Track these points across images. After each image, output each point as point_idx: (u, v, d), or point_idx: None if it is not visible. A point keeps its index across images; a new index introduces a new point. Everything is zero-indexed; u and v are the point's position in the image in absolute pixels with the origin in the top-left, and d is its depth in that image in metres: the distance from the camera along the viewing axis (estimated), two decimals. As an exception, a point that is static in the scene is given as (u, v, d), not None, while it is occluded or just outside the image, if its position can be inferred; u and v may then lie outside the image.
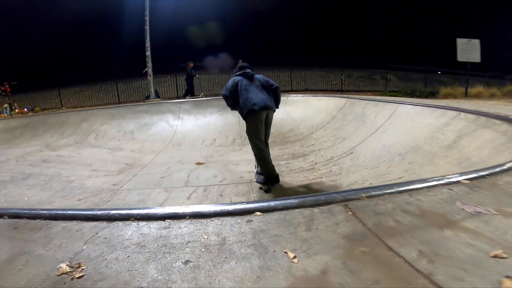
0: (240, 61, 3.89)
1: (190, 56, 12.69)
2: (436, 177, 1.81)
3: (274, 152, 5.38)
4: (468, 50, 9.98)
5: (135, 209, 1.63)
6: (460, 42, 10.07)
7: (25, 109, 11.74)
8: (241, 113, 3.49)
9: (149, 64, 12.13)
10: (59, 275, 1.06)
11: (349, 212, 1.44)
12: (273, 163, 3.65)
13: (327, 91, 13.15)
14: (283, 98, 8.49)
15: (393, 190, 1.64)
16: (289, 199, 1.62)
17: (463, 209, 1.41)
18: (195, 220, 1.42)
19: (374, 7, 21.73)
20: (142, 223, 1.42)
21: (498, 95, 9.76)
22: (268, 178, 3.54)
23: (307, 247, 1.17)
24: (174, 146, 6.61)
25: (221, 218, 1.43)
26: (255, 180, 3.81)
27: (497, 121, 3.05)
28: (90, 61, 18.09)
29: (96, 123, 8.09)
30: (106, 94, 13.91)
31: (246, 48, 18.10)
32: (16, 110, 11.20)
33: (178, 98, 11.69)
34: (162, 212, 1.51)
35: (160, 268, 1.07)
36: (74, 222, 1.45)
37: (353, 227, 1.31)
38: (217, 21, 19.42)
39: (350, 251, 1.13)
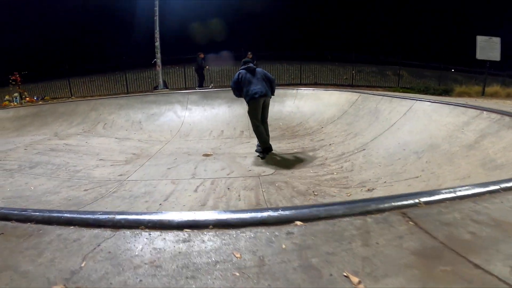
0: (250, 53, 4.45)
1: (199, 47, 12.57)
2: (492, 182, 1.63)
3: (282, 145, 5.29)
4: (488, 48, 9.49)
5: (145, 213, 1.40)
6: (480, 39, 9.54)
7: (35, 98, 11.85)
8: (245, 98, 4.57)
9: (158, 55, 12.10)
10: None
11: (410, 222, 1.23)
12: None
13: (338, 85, 12.90)
14: (292, 91, 8.56)
15: (454, 195, 1.44)
16: (333, 204, 1.39)
17: None
18: (220, 231, 1.18)
19: (389, 1, 21.10)
20: (155, 233, 1.18)
21: (516, 95, 9.40)
22: (263, 148, 4.60)
23: (372, 268, 0.95)
24: (182, 137, 6.55)
25: (253, 229, 1.18)
26: (255, 150, 4.88)
27: (524, 121, 2.86)
28: (100, 51, 18.13)
29: (104, 112, 8.09)
30: (115, 84, 13.97)
31: (256, 41, 17.83)
32: (27, 99, 11.31)
33: (186, 89, 11.63)
34: (179, 219, 1.26)
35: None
36: (71, 229, 1.22)
37: (420, 240, 1.10)
38: (227, 12, 19.15)
39: (428, 271, 0.94)
